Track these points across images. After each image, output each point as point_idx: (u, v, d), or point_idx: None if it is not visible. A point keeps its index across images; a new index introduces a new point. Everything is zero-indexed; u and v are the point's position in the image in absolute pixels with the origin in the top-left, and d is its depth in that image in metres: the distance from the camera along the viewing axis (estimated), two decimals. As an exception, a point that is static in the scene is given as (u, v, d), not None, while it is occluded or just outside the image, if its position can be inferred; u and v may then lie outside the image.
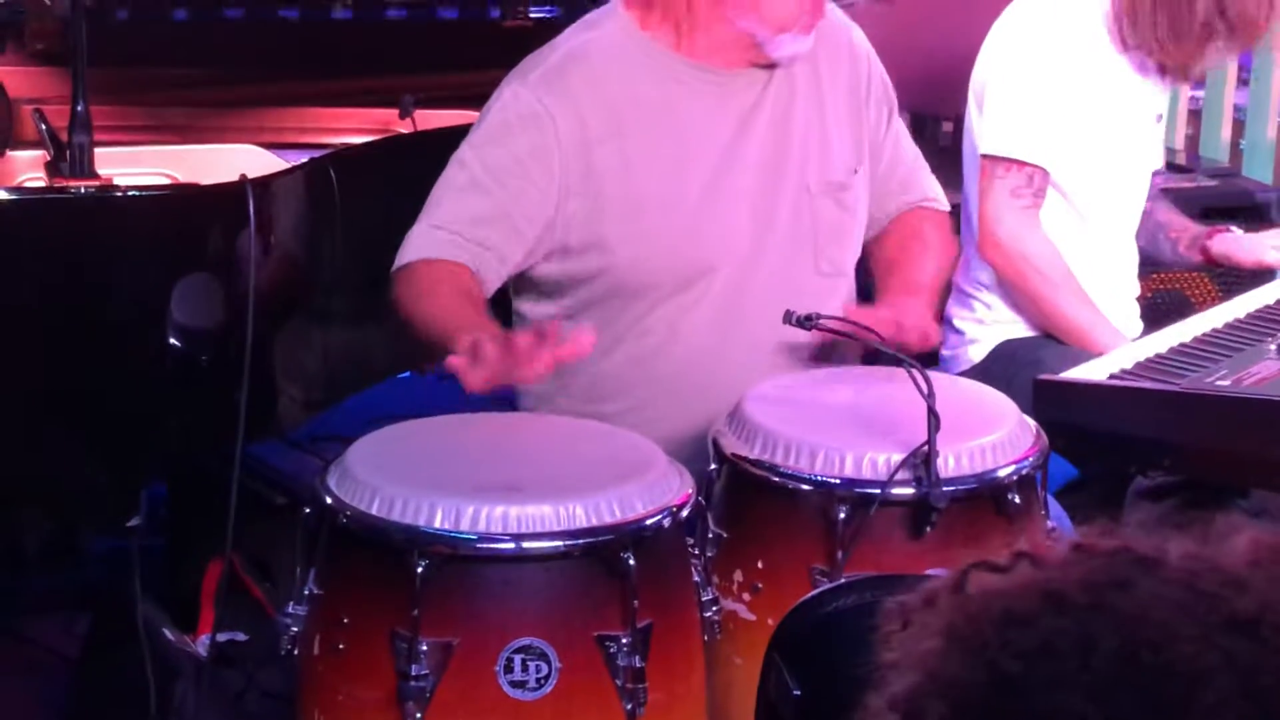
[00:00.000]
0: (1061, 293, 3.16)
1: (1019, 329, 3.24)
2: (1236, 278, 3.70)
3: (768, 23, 2.66)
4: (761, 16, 2.65)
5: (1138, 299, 3.45)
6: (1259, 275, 3.49)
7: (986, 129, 3.15)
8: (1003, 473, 2.32)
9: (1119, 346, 2.99)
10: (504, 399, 2.70)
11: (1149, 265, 3.57)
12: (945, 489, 2.23)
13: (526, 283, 2.77)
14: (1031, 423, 2.46)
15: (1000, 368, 3.15)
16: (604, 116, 2.68)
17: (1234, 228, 3.60)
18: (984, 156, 3.14)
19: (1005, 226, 3.13)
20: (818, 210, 2.79)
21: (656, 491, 2.20)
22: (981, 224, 3.15)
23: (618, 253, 2.69)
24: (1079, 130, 3.17)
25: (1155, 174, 3.52)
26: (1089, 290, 3.22)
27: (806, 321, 2.38)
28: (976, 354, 3.27)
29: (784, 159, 2.77)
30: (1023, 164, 3.13)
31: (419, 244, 2.64)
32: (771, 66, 2.74)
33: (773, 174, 2.76)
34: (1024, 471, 2.35)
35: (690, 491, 2.25)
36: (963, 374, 3.16)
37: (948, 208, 3.01)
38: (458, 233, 2.62)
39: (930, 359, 3.20)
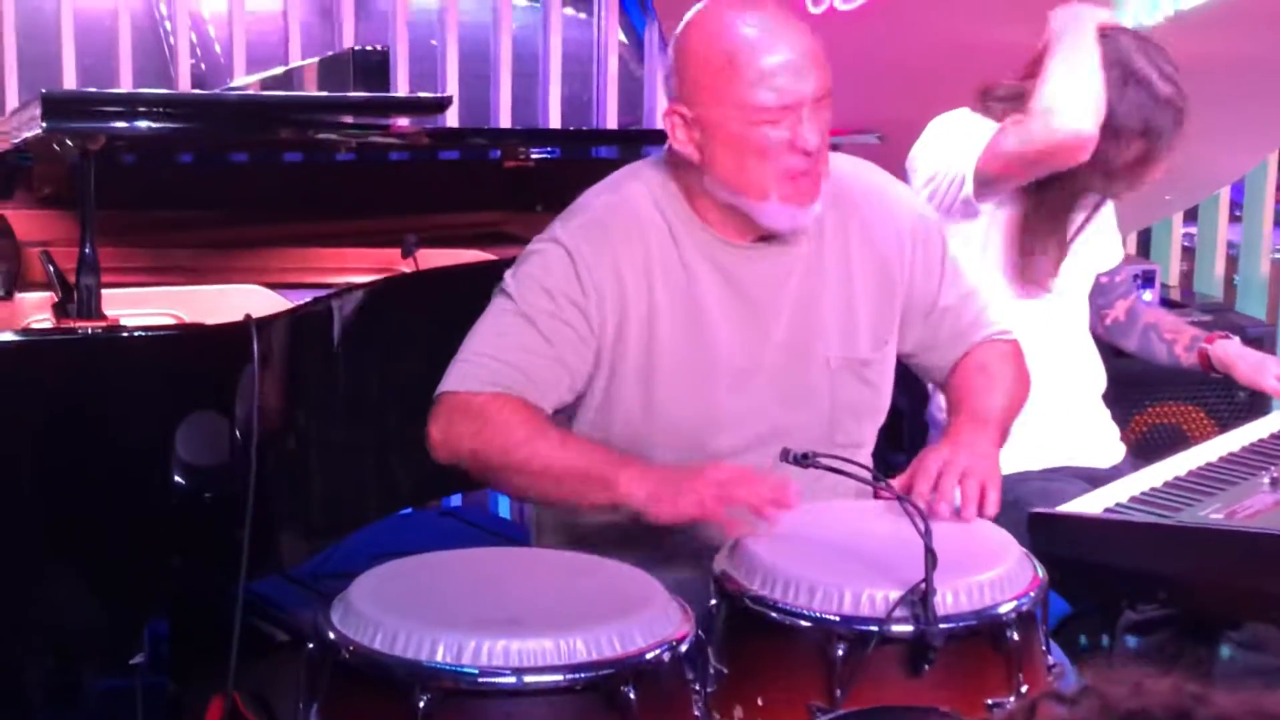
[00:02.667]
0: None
1: None
2: (1231, 410, 3.72)
3: (745, 194, 2.62)
4: (734, 188, 2.62)
5: (1130, 434, 3.48)
6: (1253, 410, 3.52)
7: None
8: (1002, 609, 2.33)
9: None
10: (509, 535, 2.72)
11: (1144, 399, 3.59)
12: (943, 627, 2.23)
13: None
14: (1032, 558, 2.46)
15: None
16: (638, 279, 2.67)
17: (1233, 335, 3.62)
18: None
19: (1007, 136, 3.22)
20: (838, 385, 2.77)
21: (657, 626, 2.21)
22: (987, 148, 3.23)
23: (626, 417, 2.70)
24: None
25: (1113, 273, 3.58)
26: (1052, 392, 3.26)
27: (804, 459, 2.40)
28: None
29: (803, 336, 2.74)
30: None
31: (479, 374, 2.63)
32: (789, 236, 2.71)
33: (789, 350, 2.73)
34: (1024, 608, 2.35)
35: (690, 626, 2.26)
36: None
37: (1012, 336, 2.95)
38: (512, 367, 2.62)
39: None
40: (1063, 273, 3.38)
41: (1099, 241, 3.49)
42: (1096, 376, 3.48)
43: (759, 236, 2.71)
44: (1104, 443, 3.44)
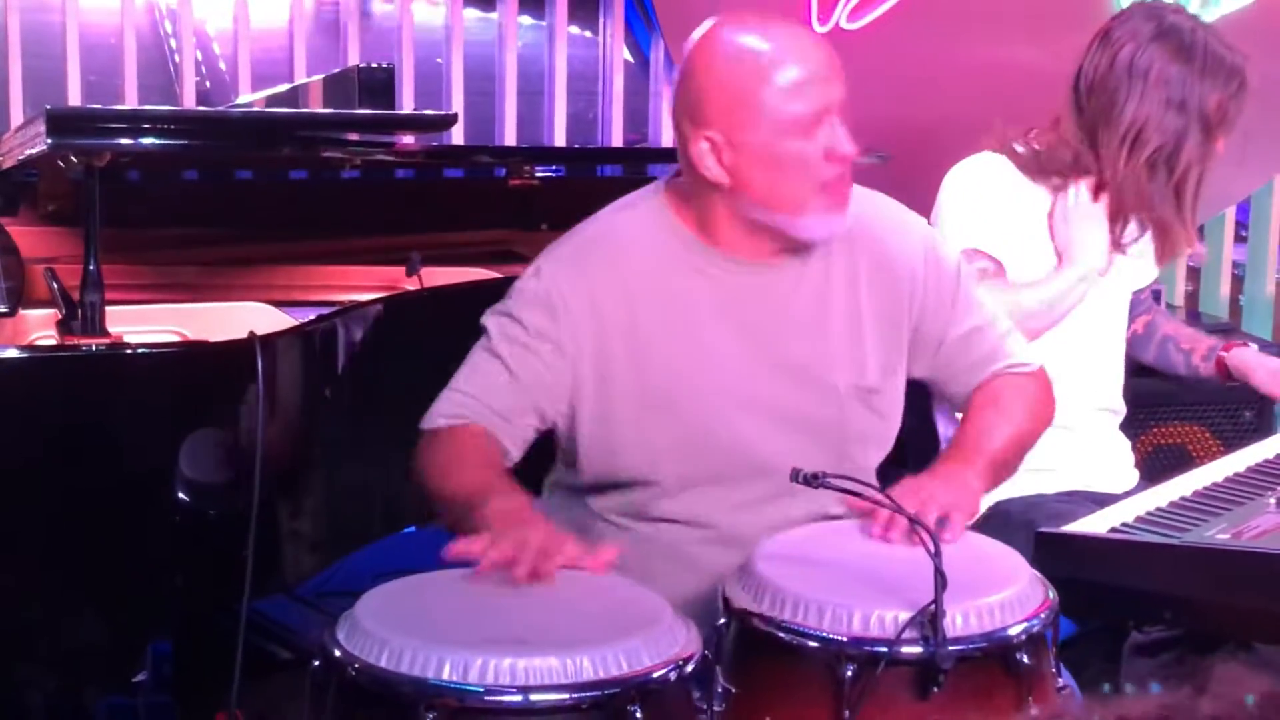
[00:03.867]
0: (1023, 290, 3.23)
1: (1011, 489, 3.26)
2: (1236, 430, 3.72)
3: (781, 210, 2.60)
4: (772, 206, 2.60)
5: (1135, 454, 3.47)
6: (1259, 430, 3.51)
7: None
8: (1012, 631, 2.31)
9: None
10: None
11: (1149, 420, 3.59)
12: (952, 649, 2.21)
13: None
14: (1043, 580, 2.44)
15: (993, 530, 3.15)
16: (616, 298, 2.65)
17: (1251, 343, 3.62)
18: None
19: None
20: (846, 413, 2.73)
21: (663, 645, 2.21)
22: None
23: (625, 449, 2.69)
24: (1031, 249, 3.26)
25: (1139, 290, 3.57)
26: (1072, 412, 3.25)
27: (813, 480, 2.38)
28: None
29: (812, 361, 2.71)
30: (977, 251, 3.21)
31: (443, 408, 2.66)
32: (805, 251, 2.69)
33: (797, 375, 2.71)
34: (1034, 630, 2.33)
35: (697, 645, 2.25)
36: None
37: (1034, 368, 2.90)
38: (477, 400, 2.64)
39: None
40: (1103, 289, 3.36)
41: (1138, 257, 3.46)
42: (1117, 402, 3.47)
43: (774, 253, 2.69)
44: (1120, 468, 3.43)
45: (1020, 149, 3.30)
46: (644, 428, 2.67)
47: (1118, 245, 3.32)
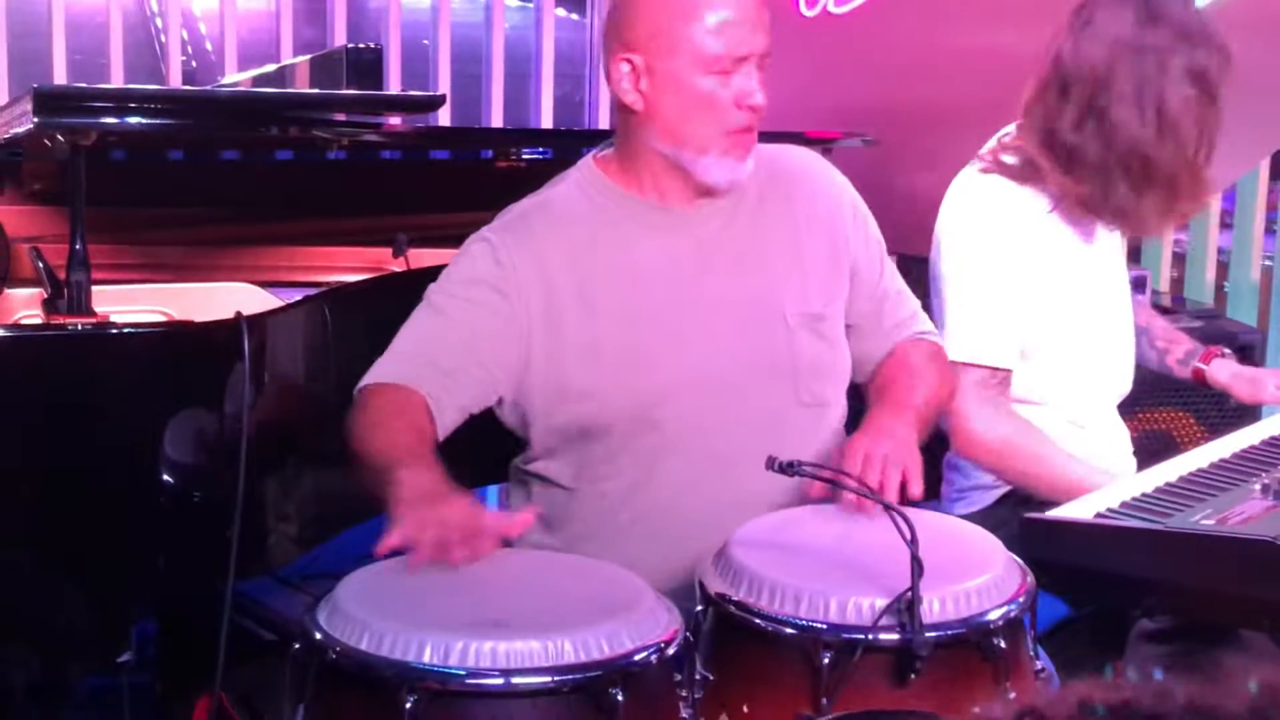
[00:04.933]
0: (1045, 461, 3.16)
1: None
2: (1221, 416, 3.72)
3: (686, 147, 2.68)
4: (678, 141, 2.68)
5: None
6: (1243, 416, 3.51)
7: (949, 336, 3.13)
8: (990, 616, 2.32)
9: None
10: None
11: (1134, 405, 3.57)
12: (929, 635, 2.21)
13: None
14: (1020, 563, 2.45)
15: (1008, 511, 3.16)
16: (564, 260, 2.71)
17: (1226, 350, 3.61)
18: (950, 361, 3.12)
19: (978, 422, 3.15)
20: (796, 342, 2.79)
21: (645, 627, 2.21)
22: (955, 421, 3.16)
23: (579, 397, 2.72)
24: (1047, 308, 3.21)
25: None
26: (1084, 408, 3.24)
27: (789, 468, 2.39)
28: (985, 498, 3.28)
29: (756, 293, 2.78)
30: (986, 366, 3.16)
31: (378, 370, 2.69)
32: (723, 197, 2.75)
33: (743, 309, 2.77)
34: (1011, 615, 2.34)
35: (678, 628, 2.26)
36: (972, 515, 3.17)
37: (940, 338, 3.01)
38: (417, 356, 2.67)
39: (934, 494, 3.23)
40: (1104, 261, 3.35)
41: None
42: (1126, 388, 3.44)
43: (697, 196, 2.75)
44: (1122, 457, 3.41)
45: (1009, 159, 3.24)
46: (595, 377, 2.71)
47: (1133, 222, 3.24)
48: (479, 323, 2.69)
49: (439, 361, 2.66)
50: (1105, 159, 3.11)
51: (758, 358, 2.77)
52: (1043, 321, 3.21)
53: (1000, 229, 3.18)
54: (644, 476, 2.74)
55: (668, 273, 2.75)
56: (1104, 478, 3.10)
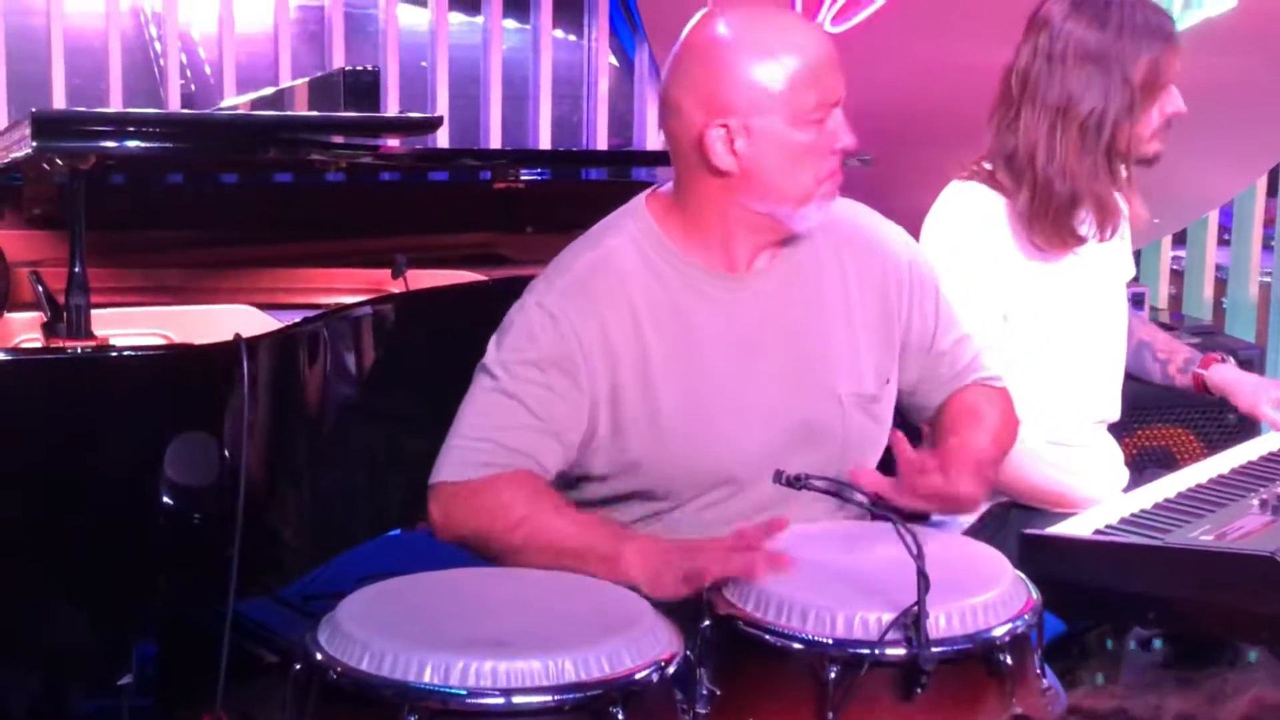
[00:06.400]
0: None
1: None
2: (1220, 432, 3.72)
3: (786, 201, 2.63)
4: (778, 197, 2.63)
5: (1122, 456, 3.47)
6: (1242, 432, 3.51)
7: None
8: (996, 632, 2.32)
9: None
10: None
11: (1133, 422, 3.58)
12: (935, 650, 2.22)
13: None
14: (1025, 580, 2.46)
15: (990, 532, 3.16)
16: (624, 332, 2.65)
17: (1226, 356, 3.61)
18: None
19: None
20: (849, 421, 2.75)
21: (645, 646, 2.21)
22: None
23: (636, 469, 2.69)
24: (1018, 315, 3.23)
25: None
26: (1068, 427, 3.25)
27: (796, 482, 2.39)
28: (967, 517, 3.27)
29: (810, 367, 2.73)
30: None
31: (464, 458, 2.63)
32: (791, 259, 2.72)
33: (797, 382, 2.72)
34: (1018, 630, 2.34)
35: (679, 646, 2.26)
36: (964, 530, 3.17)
37: (1003, 383, 2.95)
38: (501, 443, 2.62)
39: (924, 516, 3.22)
40: (1087, 281, 3.34)
41: (1117, 250, 3.44)
42: (1115, 410, 3.44)
43: (761, 254, 2.71)
44: (1113, 475, 3.41)
45: (988, 166, 3.28)
46: (655, 448, 2.68)
47: (1075, 238, 3.27)
48: (554, 407, 2.63)
49: (525, 449, 2.62)
50: (1027, 170, 3.18)
51: (810, 434, 2.72)
52: (1014, 329, 3.21)
53: (969, 232, 3.22)
54: (697, 532, 2.68)
55: (726, 340, 2.69)
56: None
